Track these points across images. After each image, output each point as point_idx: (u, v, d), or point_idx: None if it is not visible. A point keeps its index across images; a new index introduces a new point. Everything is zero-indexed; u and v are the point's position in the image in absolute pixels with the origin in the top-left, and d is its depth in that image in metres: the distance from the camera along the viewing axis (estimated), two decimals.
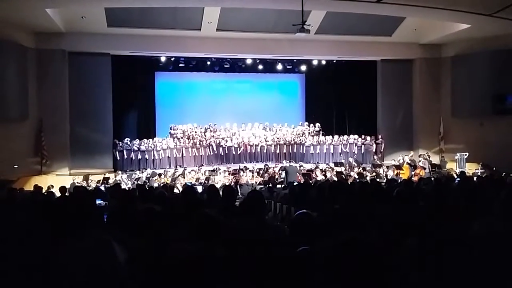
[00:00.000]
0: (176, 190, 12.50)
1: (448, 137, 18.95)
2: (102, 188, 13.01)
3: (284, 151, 19.62)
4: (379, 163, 18.04)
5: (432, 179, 10.17)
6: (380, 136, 19.55)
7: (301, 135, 20.05)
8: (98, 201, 6.06)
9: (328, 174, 15.77)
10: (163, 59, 18.80)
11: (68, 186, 12.45)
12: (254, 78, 21.33)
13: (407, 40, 18.27)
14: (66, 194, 9.94)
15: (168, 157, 18.29)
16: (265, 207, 4.19)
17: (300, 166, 17.12)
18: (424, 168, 16.45)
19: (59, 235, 2.96)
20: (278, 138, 19.74)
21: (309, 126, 20.68)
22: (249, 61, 19.57)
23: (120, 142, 17.83)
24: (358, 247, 2.67)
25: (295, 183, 10.05)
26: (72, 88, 16.56)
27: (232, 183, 14.68)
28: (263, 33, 16.72)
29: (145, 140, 18.32)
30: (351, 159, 18.29)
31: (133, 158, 17.80)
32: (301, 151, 19.59)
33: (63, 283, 1.93)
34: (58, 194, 9.76)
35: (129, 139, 18.11)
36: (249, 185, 14.63)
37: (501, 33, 15.68)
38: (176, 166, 17.77)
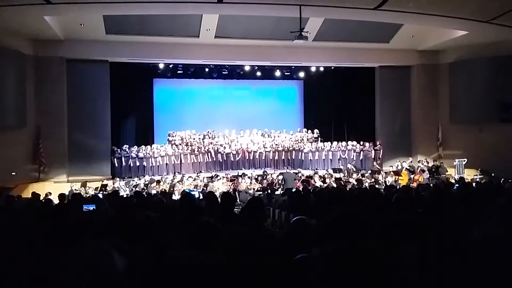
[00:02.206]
0: (174, 197, 12.50)
1: (446, 143, 18.96)
2: (100, 195, 12.96)
3: (283, 157, 19.60)
4: (377, 169, 18.05)
5: (431, 185, 10.17)
6: (378, 142, 19.56)
7: (299, 141, 20.05)
8: (87, 207, 6.02)
9: (327, 181, 15.76)
10: (161, 66, 18.83)
11: (66, 193, 12.39)
12: (252, 84, 21.38)
13: (405, 47, 18.34)
14: (65, 201, 9.90)
15: (167, 163, 18.25)
16: (264, 214, 4.17)
17: (298, 173, 17.10)
18: (424, 171, 16.49)
19: (55, 242, 2.94)
20: (276, 145, 19.74)
21: (307, 132, 20.69)
22: (247, 68, 19.61)
23: (118, 149, 17.81)
24: (357, 253, 2.66)
25: (293, 190, 10.03)
26: (70, 95, 16.56)
27: (231, 190, 14.66)
28: (261, 40, 16.77)
29: (143, 146, 18.30)
30: (349, 166, 18.29)
31: (131, 165, 17.76)
32: (299, 158, 19.57)
33: None
34: (56, 201, 9.72)
35: (127, 146, 18.10)
36: (248, 192, 14.63)
37: (499, 40, 15.74)
38: (174, 173, 17.73)
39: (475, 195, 6.59)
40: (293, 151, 19.69)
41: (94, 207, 6.04)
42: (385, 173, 17.32)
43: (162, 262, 2.60)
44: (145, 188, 15.15)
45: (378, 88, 19.77)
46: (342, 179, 16.16)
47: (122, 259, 2.05)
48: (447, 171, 17.42)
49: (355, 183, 14.94)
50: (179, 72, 19.45)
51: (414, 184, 13.60)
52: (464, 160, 17.06)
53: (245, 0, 12.56)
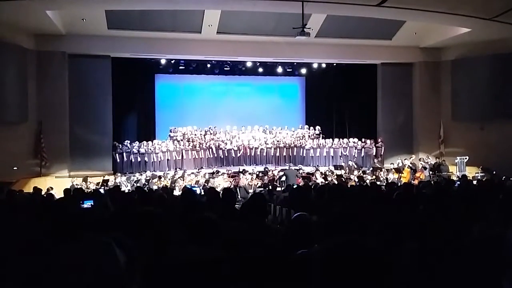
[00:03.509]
0: (175, 193, 12.50)
1: (448, 141, 18.93)
2: (102, 190, 12.98)
3: (284, 154, 19.58)
4: (379, 166, 18.03)
5: (432, 182, 10.17)
6: (380, 140, 19.54)
7: (301, 138, 20.04)
8: (84, 202, 6.00)
9: (328, 178, 15.76)
10: (163, 61, 18.80)
11: (70, 188, 12.40)
12: (254, 81, 21.33)
13: (407, 44, 18.29)
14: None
15: (168, 159, 18.26)
16: (266, 211, 4.18)
17: (299, 169, 17.10)
18: (425, 168, 16.47)
19: (55, 237, 2.95)
20: (278, 141, 19.72)
21: (309, 129, 20.67)
22: (249, 64, 19.57)
23: (120, 145, 17.83)
24: (357, 250, 2.66)
25: (294, 186, 10.03)
26: (72, 90, 16.55)
27: (232, 186, 14.66)
28: (264, 36, 16.73)
29: (144, 142, 18.31)
30: (351, 162, 18.28)
31: (133, 160, 17.78)
32: (301, 154, 19.56)
33: (63, 285, 1.92)
34: (58, 196, 9.74)
35: (129, 142, 18.11)
36: (248, 190, 14.61)
37: (501, 37, 15.71)
38: (175, 169, 17.74)
39: (476, 193, 6.59)
40: (295, 148, 19.68)
41: (92, 203, 6.02)
42: (386, 170, 17.31)
43: (163, 257, 2.61)
44: (147, 183, 15.16)
45: (380, 85, 19.73)
46: (343, 176, 16.16)
47: (124, 254, 2.06)
48: (447, 166, 17.38)
49: (356, 180, 14.95)
50: (181, 67, 19.42)
51: (416, 182, 13.60)
52: (466, 158, 17.04)
53: None
